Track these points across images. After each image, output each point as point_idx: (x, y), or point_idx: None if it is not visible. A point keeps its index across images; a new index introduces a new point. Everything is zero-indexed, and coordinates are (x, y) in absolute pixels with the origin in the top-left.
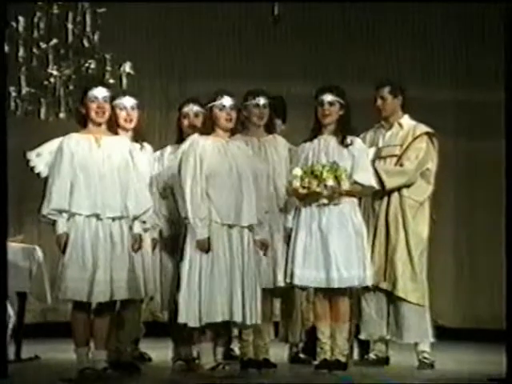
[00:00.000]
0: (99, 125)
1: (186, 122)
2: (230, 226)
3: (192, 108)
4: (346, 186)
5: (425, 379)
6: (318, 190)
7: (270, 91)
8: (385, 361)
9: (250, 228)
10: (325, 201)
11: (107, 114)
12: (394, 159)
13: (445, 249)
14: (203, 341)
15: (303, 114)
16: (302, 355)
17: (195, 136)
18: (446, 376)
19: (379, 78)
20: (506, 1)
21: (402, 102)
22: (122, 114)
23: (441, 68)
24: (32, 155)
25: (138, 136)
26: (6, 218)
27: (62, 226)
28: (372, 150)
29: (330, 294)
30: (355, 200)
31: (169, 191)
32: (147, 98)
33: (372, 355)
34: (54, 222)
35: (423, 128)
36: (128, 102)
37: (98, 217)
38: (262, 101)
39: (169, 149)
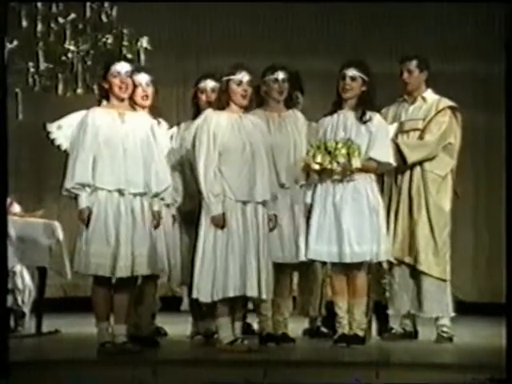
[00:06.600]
0: (122, 100)
1: (203, 98)
2: (244, 202)
3: (209, 83)
4: (356, 163)
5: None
6: (329, 166)
7: (287, 66)
8: (414, 335)
9: (264, 203)
10: (337, 177)
11: (130, 89)
12: (417, 133)
13: (463, 223)
14: (220, 315)
15: (320, 89)
16: (323, 328)
17: (209, 111)
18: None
19: (405, 52)
20: None
21: (427, 77)
22: (137, 91)
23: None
24: (53, 127)
25: (154, 112)
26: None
27: (84, 201)
28: (394, 126)
29: (347, 269)
30: (372, 176)
31: (186, 166)
32: (163, 74)
33: (399, 328)
34: (75, 197)
35: (447, 102)
36: (143, 78)
37: (120, 192)
38: (280, 75)
39: (183, 125)
